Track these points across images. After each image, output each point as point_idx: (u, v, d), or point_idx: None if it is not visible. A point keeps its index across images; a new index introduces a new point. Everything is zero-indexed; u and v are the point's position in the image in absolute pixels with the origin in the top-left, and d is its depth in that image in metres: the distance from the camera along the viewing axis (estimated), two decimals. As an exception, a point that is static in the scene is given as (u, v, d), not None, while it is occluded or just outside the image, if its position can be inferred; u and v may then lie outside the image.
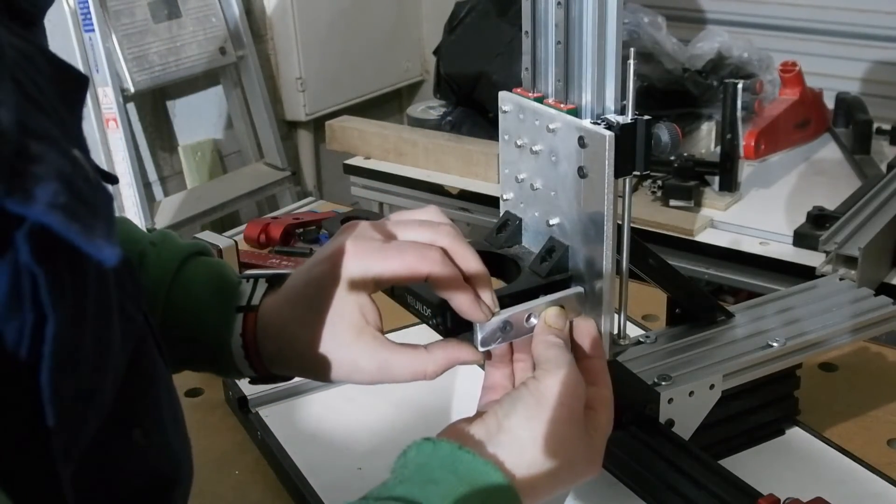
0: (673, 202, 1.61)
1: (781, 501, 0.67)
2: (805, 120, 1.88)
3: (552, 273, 0.73)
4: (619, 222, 0.73)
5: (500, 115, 0.78)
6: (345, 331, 0.67)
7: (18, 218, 0.37)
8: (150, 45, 2.30)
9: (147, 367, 0.55)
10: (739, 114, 1.58)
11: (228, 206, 2.49)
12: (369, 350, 0.67)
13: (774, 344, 0.83)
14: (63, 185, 0.38)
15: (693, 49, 1.94)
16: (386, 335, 0.69)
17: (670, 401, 0.78)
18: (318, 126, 2.77)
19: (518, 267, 0.76)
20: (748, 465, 0.83)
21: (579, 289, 0.72)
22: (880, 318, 0.88)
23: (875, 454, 0.86)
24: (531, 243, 0.78)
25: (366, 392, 0.85)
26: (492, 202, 1.71)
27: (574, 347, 0.69)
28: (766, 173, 1.76)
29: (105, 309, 0.46)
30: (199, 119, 2.63)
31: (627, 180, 0.72)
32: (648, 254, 0.81)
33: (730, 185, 1.61)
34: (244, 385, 0.97)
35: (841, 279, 0.96)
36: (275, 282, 0.73)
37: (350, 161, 2.00)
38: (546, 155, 0.74)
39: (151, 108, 2.50)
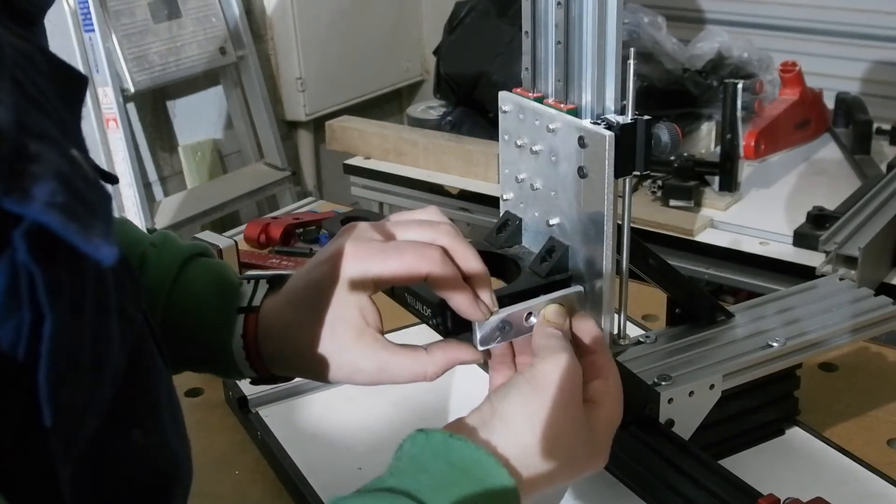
0: (673, 202, 1.61)
1: (781, 501, 0.67)
2: (805, 120, 1.88)
3: (552, 273, 0.73)
4: (619, 222, 0.73)
5: (500, 115, 0.78)
6: (345, 332, 0.67)
7: (16, 217, 0.37)
8: (150, 45, 2.30)
9: (147, 367, 0.55)
10: (739, 114, 1.58)
11: (228, 206, 2.49)
12: (369, 351, 0.67)
13: (774, 344, 0.83)
14: (61, 184, 0.38)
15: (693, 49, 1.94)
16: (386, 335, 0.69)
17: (670, 401, 0.78)
18: (318, 126, 2.77)
19: (518, 267, 0.76)
20: (748, 465, 0.83)
21: (579, 288, 0.72)
22: (880, 318, 0.88)
23: (875, 454, 0.86)
24: (531, 243, 0.78)
25: (366, 392, 0.85)
26: (492, 202, 1.71)
27: (576, 344, 0.69)
28: (766, 173, 1.76)
29: (104, 309, 0.46)
30: (199, 119, 2.63)
31: (627, 180, 0.72)
32: (648, 254, 0.81)
33: (730, 185, 1.61)
34: (244, 385, 0.97)
35: (841, 279, 0.96)
36: (276, 283, 0.73)
37: (350, 161, 2.00)
38: (546, 155, 0.74)
39: (151, 108, 2.50)
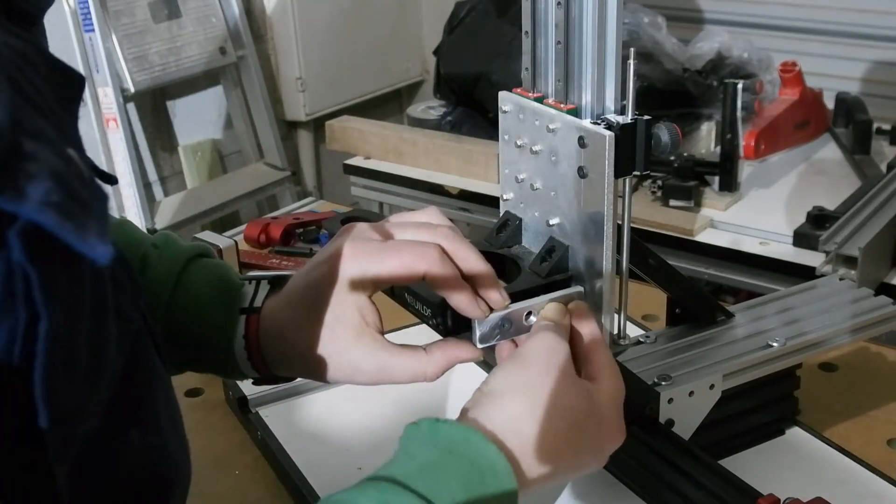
0: (673, 202, 1.61)
1: (781, 501, 0.67)
2: (805, 120, 1.88)
3: (552, 273, 0.73)
4: (619, 222, 0.73)
5: (500, 115, 0.78)
6: (344, 333, 0.67)
7: (10, 216, 0.37)
8: (150, 45, 2.30)
9: (145, 367, 0.55)
10: (739, 114, 1.58)
11: (228, 206, 2.49)
12: (369, 352, 0.67)
13: (774, 344, 0.83)
14: (56, 183, 0.38)
15: (693, 49, 1.94)
16: (386, 335, 0.69)
17: (670, 401, 0.78)
18: (318, 126, 2.77)
19: (518, 267, 0.76)
20: (748, 465, 0.83)
21: (579, 288, 0.72)
22: (880, 318, 0.88)
23: (875, 454, 0.86)
24: (531, 243, 0.78)
25: (366, 392, 0.85)
26: (492, 202, 1.71)
27: (572, 337, 0.69)
28: (766, 173, 1.76)
29: (101, 308, 0.46)
30: (199, 119, 2.63)
31: (627, 180, 0.72)
32: (648, 254, 0.80)
33: (730, 185, 1.61)
34: (244, 385, 0.97)
35: (841, 279, 0.96)
36: (277, 283, 0.73)
37: (350, 161, 2.00)
38: (546, 155, 0.74)
39: (151, 108, 2.50)
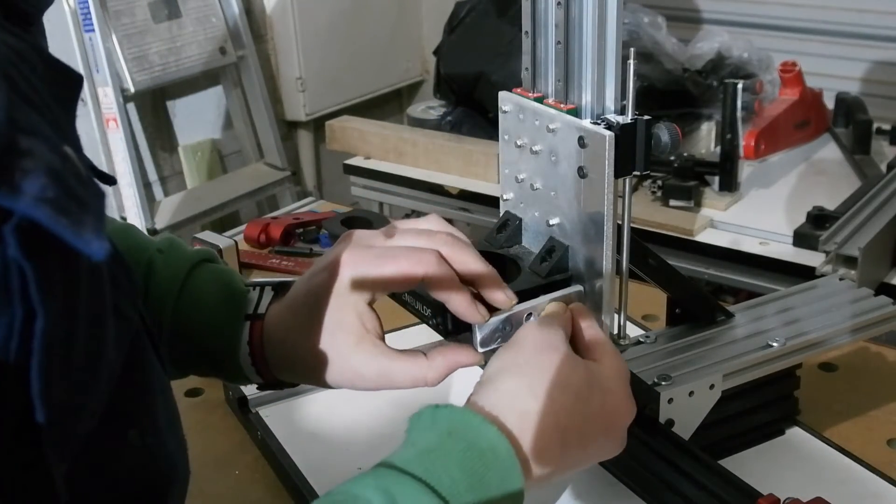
0: (673, 202, 1.61)
1: (781, 501, 0.67)
2: (805, 120, 1.88)
3: (552, 273, 0.73)
4: (619, 222, 0.73)
5: (500, 115, 0.78)
6: (344, 339, 0.68)
7: (6, 212, 0.37)
8: (150, 45, 2.30)
9: (143, 367, 0.55)
10: (739, 114, 1.58)
11: (228, 206, 2.49)
12: (369, 358, 0.68)
13: (774, 344, 0.83)
14: (52, 179, 0.38)
15: (693, 49, 1.94)
16: (386, 335, 0.69)
17: (670, 401, 0.78)
18: (318, 126, 2.77)
19: (518, 267, 0.76)
20: (748, 465, 0.83)
21: (579, 287, 0.72)
22: (880, 318, 0.88)
23: (875, 454, 0.86)
24: (531, 243, 0.78)
25: (366, 392, 0.85)
26: (492, 202, 1.71)
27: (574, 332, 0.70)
28: (766, 173, 1.76)
29: (98, 306, 0.46)
30: (199, 119, 2.62)
31: (627, 180, 0.72)
32: (648, 254, 0.80)
33: (730, 185, 1.61)
34: (244, 385, 0.97)
35: (841, 279, 0.96)
36: (280, 289, 0.74)
37: (350, 161, 2.00)
38: (546, 155, 0.74)
39: (151, 108, 2.50)
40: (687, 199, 1.60)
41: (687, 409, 0.79)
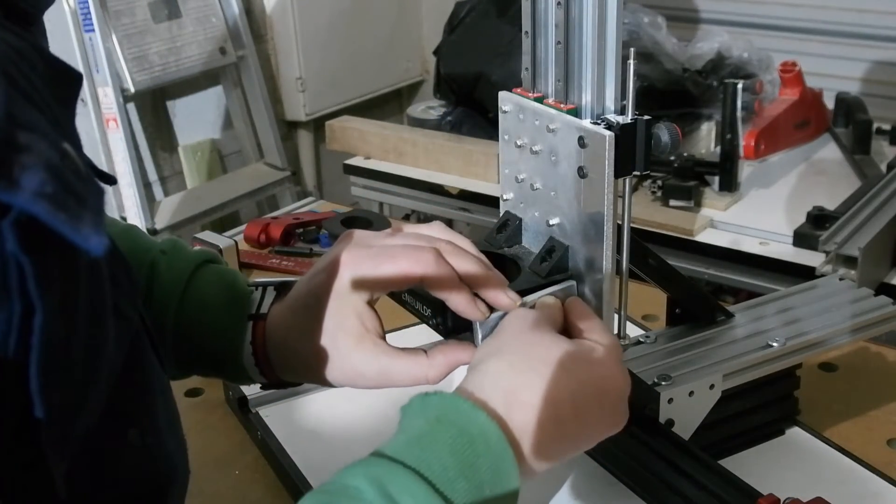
0: (673, 202, 1.61)
1: (781, 501, 0.67)
2: (805, 120, 1.88)
3: (552, 273, 0.73)
4: (619, 222, 0.73)
5: (500, 115, 0.78)
6: (344, 339, 0.68)
7: (5, 206, 0.37)
8: (150, 45, 2.30)
9: (143, 367, 0.55)
10: (739, 114, 1.58)
11: (228, 206, 2.49)
12: (370, 357, 0.68)
13: (774, 344, 0.83)
14: (51, 175, 0.38)
15: (693, 49, 1.94)
16: (387, 335, 0.69)
17: (670, 401, 0.78)
18: (318, 126, 2.77)
19: (518, 267, 0.76)
20: (748, 465, 0.83)
21: (572, 282, 0.72)
22: (880, 318, 0.88)
23: (875, 454, 0.86)
24: (531, 243, 0.78)
25: (366, 392, 0.85)
26: (492, 202, 1.71)
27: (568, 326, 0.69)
28: (766, 173, 1.76)
29: (98, 304, 0.46)
30: (199, 119, 2.62)
31: (627, 180, 0.72)
32: (648, 254, 0.80)
33: (730, 185, 1.61)
34: (244, 385, 0.97)
35: (841, 279, 0.96)
36: (282, 289, 0.74)
37: (350, 161, 2.00)
38: (546, 155, 0.74)
39: (151, 108, 2.50)
40: (687, 199, 1.60)
41: (687, 409, 0.79)
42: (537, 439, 0.58)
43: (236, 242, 1.28)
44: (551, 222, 0.74)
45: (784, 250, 1.48)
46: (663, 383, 0.78)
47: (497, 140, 0.80)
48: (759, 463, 0.85)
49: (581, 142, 0.69)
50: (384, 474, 0.53)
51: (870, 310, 0.88)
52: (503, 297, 0.67)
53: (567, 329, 0.68)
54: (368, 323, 0.68)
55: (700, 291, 0.89)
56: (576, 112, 0.71)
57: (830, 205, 1.52)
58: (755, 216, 1.58)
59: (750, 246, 1.50)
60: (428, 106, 2.18)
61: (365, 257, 0.67)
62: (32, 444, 0.42)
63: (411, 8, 3.05)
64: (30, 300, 0.39)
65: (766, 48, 2.00)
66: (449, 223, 1.77)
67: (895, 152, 1.82)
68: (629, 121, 0.69)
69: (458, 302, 0.66)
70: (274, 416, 0.95)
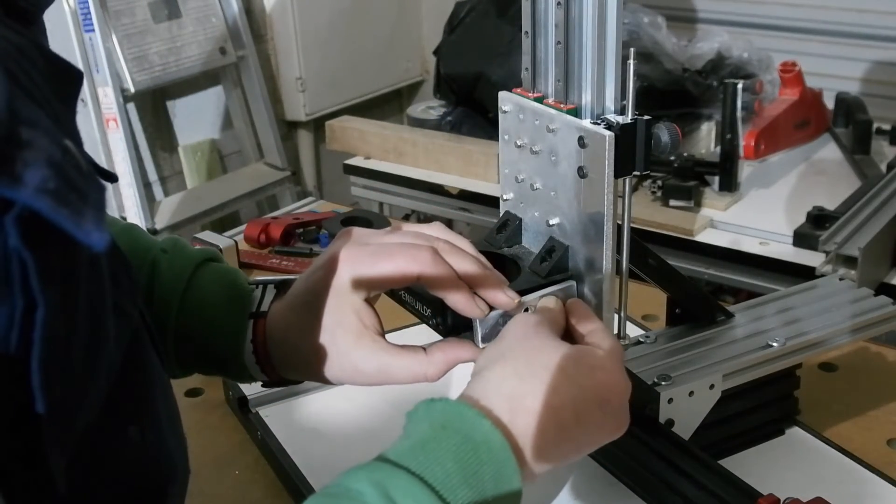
0: (673, 202, 1.61)
1: (781, 501, 0.67)
2: (805, 120, 1.88)
3: (552, 273, 0.73)
4: (619, 222, 0.73)
5: (500, 115, 0.78)
6: (343, 336, 0.68)
7: (7, 202, 0.37)
8: (150, 45, 2.30)
9: (143, 365, 0.56)
10: (739, 114, 1.58)
11: (228, 206, 2.49)
12: (369, 354, 0.68)
13: (774, 344, 0.83)
14: (53, 171, 0.38)
15: (693, 49, 1.94)
16: (386, 335, 0.69)
17: (670, 401, 0.78)
18: (318, 126, 2.77)
19: (518, 267, 0.76)
20: (748, 465, 0.83)
21: (572, 282, 0.72)
22: (880, 318, 0.88)
23: (875, 454, 0.86)
24: (531, 243, 0.78)
25: (366, 392, 0.86)
26: (492, 202, 1.71)
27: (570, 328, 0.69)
28: (766, 173, 1.76)
29: (98, 300, 0.46)
30: (199, 119, 2.62)
31: (627, 180, 0.72)
32: (648, 254, 0.80)
33: (730, 185, 1.61)
34: (244, 385, 0.97)
35: (841, 279, 0.96)
36: (282, 287, 0.74)
37: (350, 161, 2.00)
38: (546, 155, 0.74)
39: (151, 108, 2.50)
40: (687, 199, 1.60)
41: (687, 409, 0.79)
42: (539, 444, 0.59)
43: (236, 242, 1.28)
44: (551, 222, 0.74)
45: (784, 250, 1.48)
46: (663, 383, 0.78)
47: (497, 140, 0.80)
48: (759, 463, 0.85)
49: (581, 142, 0.69)
50: (387, 479, 0.53)
51: (870, 310, 0.88)
52: (502, 295, 0.67)
53: (568, 332, 0.68)
54: (367, 320, 0.68)
55: (700, 291, 0.89)
56: (576, 112, 0.71)
57: (830, 205, 1.52)
58: (755, 216, 1.58)
59: (750, 246, 1.51)
60: (428, 106, 2.18)
61: (362, 255, 0.67)
62: (32, 440, 0.42)
63: (411, 8, 3.05)
64: (32, 295, 0.39)
65: (766, 48, 2.00)
66: (449, 223, 1.77)
67: (895, 152, 1.82)
68: (629, 121, 0.69)
69: (457, 299, 0.66)
70: (274, 416, 0.95)
